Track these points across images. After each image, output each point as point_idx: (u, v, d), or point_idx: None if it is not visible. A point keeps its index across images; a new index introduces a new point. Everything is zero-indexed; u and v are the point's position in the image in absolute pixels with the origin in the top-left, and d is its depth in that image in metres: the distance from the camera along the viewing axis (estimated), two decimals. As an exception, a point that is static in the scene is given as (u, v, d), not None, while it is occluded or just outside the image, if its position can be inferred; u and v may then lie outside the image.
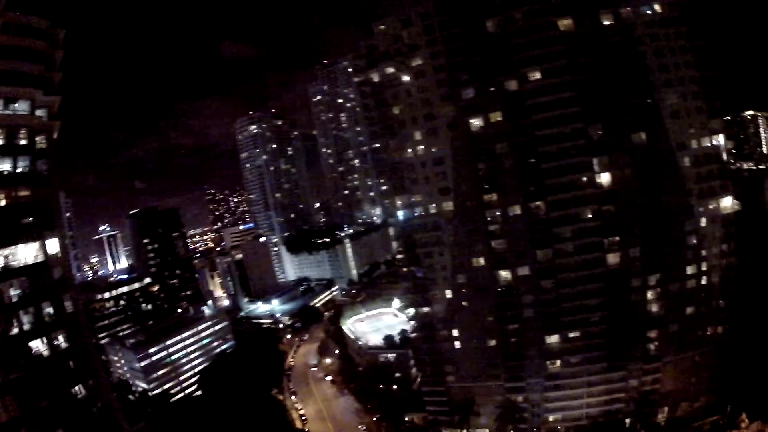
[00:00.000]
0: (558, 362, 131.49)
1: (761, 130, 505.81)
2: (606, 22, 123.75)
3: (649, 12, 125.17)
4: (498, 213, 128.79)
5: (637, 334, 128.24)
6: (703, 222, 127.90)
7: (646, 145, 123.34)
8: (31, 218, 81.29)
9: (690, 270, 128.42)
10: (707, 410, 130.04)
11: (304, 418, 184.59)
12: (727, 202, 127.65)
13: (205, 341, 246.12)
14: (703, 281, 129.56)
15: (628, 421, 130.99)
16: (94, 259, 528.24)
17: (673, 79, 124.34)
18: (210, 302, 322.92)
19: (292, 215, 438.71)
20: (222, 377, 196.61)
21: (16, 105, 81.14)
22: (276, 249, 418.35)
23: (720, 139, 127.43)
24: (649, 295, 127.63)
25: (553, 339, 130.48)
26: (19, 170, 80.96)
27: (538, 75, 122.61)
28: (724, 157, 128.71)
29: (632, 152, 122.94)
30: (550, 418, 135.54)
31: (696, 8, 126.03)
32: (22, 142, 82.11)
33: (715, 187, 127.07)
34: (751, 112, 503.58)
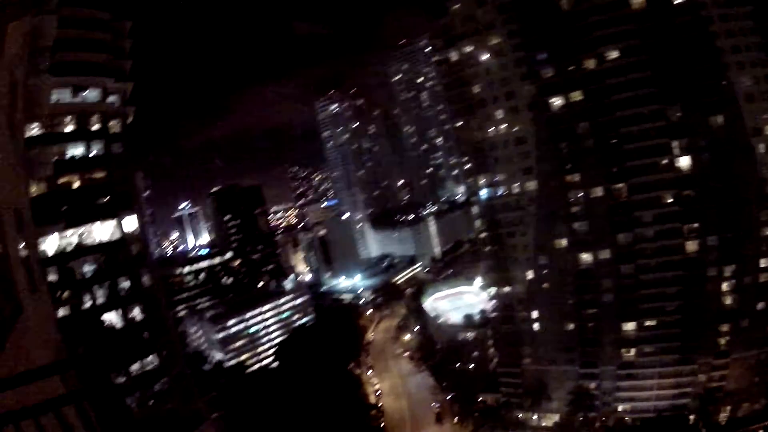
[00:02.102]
0: (633, 351, 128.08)
1: None
2: (676, 1, 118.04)
3: None
4: (580, 194, 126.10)
5: (710, 327, 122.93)
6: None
7: (724, 129, 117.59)
8: (106, 198, 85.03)
9: (764, 263, 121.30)
10: (766, 413, 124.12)
11: (378, 393, 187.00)
12: None
13: (284, 314, 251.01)
14: None
15: (692, 417, 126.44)
16: (174, 236, 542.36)
17: (745, 61, 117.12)
18: (292, 277, 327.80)
19: (375, 193, 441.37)
20: (300, 350, 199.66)
21: (86, 93, 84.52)
22: (359, 226, 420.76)
23: None
24: (724, 286, 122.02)
25: (629, 326, 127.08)
26: (92, 154, 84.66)
27: (615, 54, 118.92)
28: None
29: (709, 136, 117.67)
30: (619, 408, 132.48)
31: None
32: (95, 128, 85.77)
33: None
34: None
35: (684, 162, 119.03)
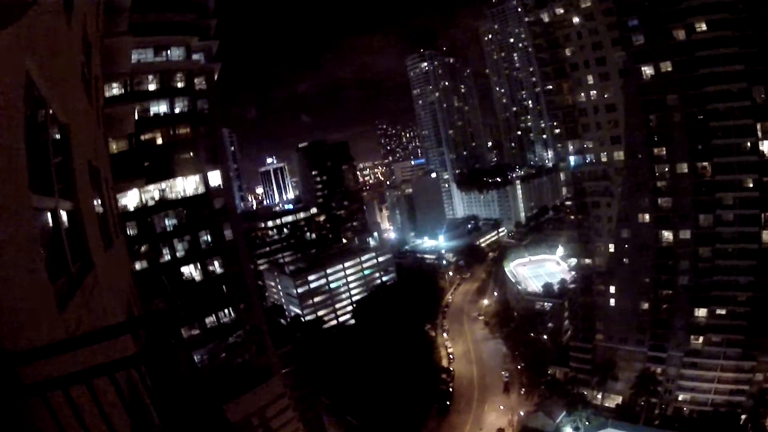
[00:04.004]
0: (701, 339, 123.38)
1: None
2: None
3: None
4: (666, 169, 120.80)
5: None
6: None
7: None
8: (190, 153, 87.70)
9: None
10: None
11: (451, 356, 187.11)
12: None
13: (366, 272, 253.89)
14: None
15: (744, 417, 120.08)
16: (259, 190, 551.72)
17: None
18: (376, 234, 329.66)
19: (464, 153, 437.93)
20: (378, 308, 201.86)
21: (170, 52, 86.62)
22: (446, 186, 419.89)
23: None
24: None
25: (701, 312, 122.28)
26: (177, 111, 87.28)
27: (704, 26, 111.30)
28: None
29: None
30: (680, 397, 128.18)
31: None
32: (179, 85, 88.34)
33: None
34: None
35: (766, 146, 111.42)
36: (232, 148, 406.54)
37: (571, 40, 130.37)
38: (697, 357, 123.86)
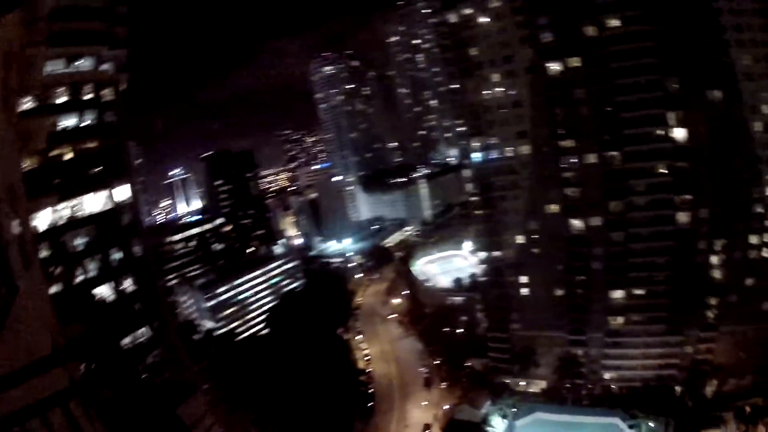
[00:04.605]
0: (620, 319, 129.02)
1: None
2: None
3: None
4: (574, 160, 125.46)
5: (698, 300, 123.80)
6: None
7: (721, 104, 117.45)
8: (98, 168, 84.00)
9: (754, 240, 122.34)
10: (752, 390, 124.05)
11: (368, 358, 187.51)
12: None
13: (274, 280, 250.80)
14: (765, 253, 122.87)
15: (678, 389, 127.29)
16: (165, 203, 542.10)
17: (747, 40, 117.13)
18: (282, 241, 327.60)
19: (368, 155, 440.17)
20: (289, 316, 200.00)
21: (80, 62, 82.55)
22: (350, 188, 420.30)
23: None
24: (714, 260, 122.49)
25: (618, 294, 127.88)
26: (85, 124, 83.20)
27: (617, 22, 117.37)
28: None
29: (708, 110, 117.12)
30: (606, 376, 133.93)
31: None
32: (88, 97, 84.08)
33: None
34: None
35: (679, 134, 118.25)
36: (139, 160, 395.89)
37: (478, 39, 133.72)
38: (619, 337, 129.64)
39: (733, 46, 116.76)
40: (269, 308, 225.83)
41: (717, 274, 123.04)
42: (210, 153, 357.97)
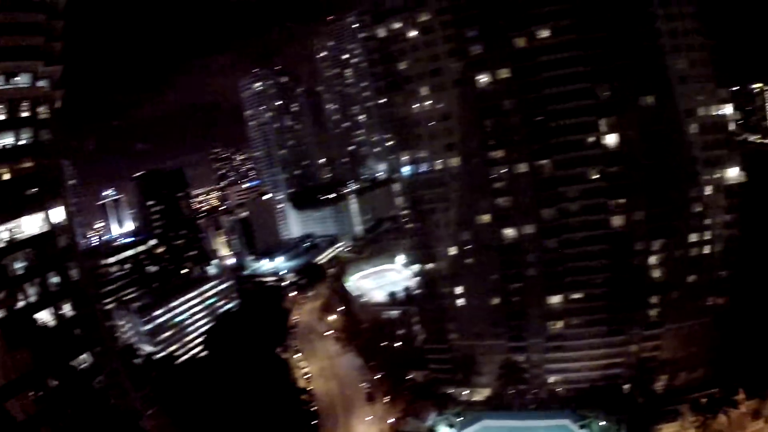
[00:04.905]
0: (560, 323, 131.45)
1: None
2: None
3: None
4: (504, 170, 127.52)
5: (639, 299, 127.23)
6: (708, 191, 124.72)
7: (654, 109, 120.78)
8: (35, 189, 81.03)
9: (693, 238, 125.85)
10: (704, 382, 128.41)
11: (308, 376, 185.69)
12: (733, 173, 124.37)
13: (210, 301, 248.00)
14: (706, 250, 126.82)
15: (627, 386, 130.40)
16: (99, 224, 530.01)
17: (682, 44, 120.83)
18: (215, 261, 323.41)
19: (297, 172, 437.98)
20: (227, 337, 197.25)
21: (17, 78, 79.98)
22: (281, 206, 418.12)
23: (727, 109, 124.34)
24: (652, 260, 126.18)
25: (555, 299, 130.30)
26: (21, 143, 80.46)
27: (547, 33, 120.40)
28: (731, 127, 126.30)
29: (640, 115, 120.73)
30: (551, 379, 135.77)
31: None
32: (24, 115, 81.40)
33: (721, 156, 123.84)
34: (759, 85, 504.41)
35: (611, 139, 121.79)
36: (72, 181, 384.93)
37: (407, 54, 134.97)
38: (559, 341, 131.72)
39: (669, 51, 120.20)
40: (206, 330, 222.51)
41: (657, 273, 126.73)
42: (141, 173, 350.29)
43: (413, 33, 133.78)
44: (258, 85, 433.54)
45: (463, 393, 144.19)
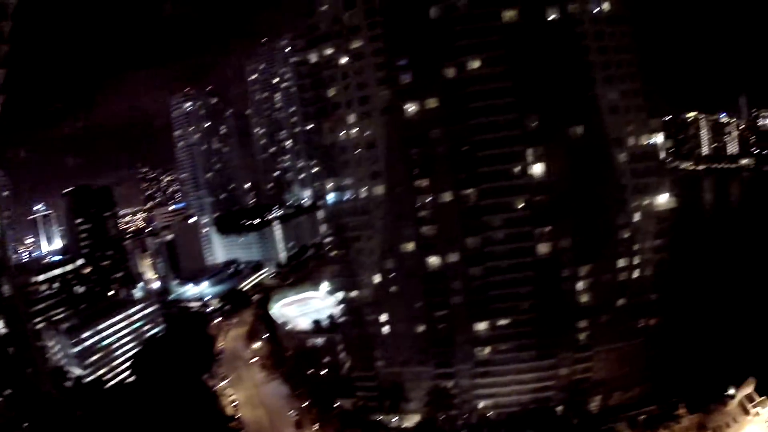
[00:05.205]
0: (487, 349, 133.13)
1: (702, 132, 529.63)
2: (552, 17, 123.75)
3: (596, 10, 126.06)
4: (429, 199, 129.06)
5: (568, 323, 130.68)
6: (637, 217, 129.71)
7: (583, 139, 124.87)
8: None
9: (622, 263, 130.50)
10: (642, 401, 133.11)
11: (235, 403, 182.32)
12: (663, 199, 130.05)
13: (136, 325, 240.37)
14: (635, 274, 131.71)
15: (560, 408, 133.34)
16: (29, 240, 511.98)
17: (615, 76, 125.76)
18: (141, 284, 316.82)
19: (223, 196, 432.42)
20: (154, 363, 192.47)
21: None
22: (206, 230, 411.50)
23: (658, 138, 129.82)
24: (580, 285, 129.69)
25: (481, 326, 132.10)
26: None
27: (477, 64, 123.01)
28: (662, 155, 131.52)
29: (568, 144, 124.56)
30: (480, 405, 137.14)
31: (645, 9, 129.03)
32: None
33: (650, 183, 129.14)
34: (693, 114, 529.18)
35: (537, 169, 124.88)
36: (6, 192, 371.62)
37: (336, 80, 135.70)
38: (488, 366, 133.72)
39: (601, 82, 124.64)
40: (133, 354, 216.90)
41: (585, 297, 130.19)
42: (71, 189, 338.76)
43: (345, 59, 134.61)
44: (188, 105, 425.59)
45: (393, 420, 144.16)
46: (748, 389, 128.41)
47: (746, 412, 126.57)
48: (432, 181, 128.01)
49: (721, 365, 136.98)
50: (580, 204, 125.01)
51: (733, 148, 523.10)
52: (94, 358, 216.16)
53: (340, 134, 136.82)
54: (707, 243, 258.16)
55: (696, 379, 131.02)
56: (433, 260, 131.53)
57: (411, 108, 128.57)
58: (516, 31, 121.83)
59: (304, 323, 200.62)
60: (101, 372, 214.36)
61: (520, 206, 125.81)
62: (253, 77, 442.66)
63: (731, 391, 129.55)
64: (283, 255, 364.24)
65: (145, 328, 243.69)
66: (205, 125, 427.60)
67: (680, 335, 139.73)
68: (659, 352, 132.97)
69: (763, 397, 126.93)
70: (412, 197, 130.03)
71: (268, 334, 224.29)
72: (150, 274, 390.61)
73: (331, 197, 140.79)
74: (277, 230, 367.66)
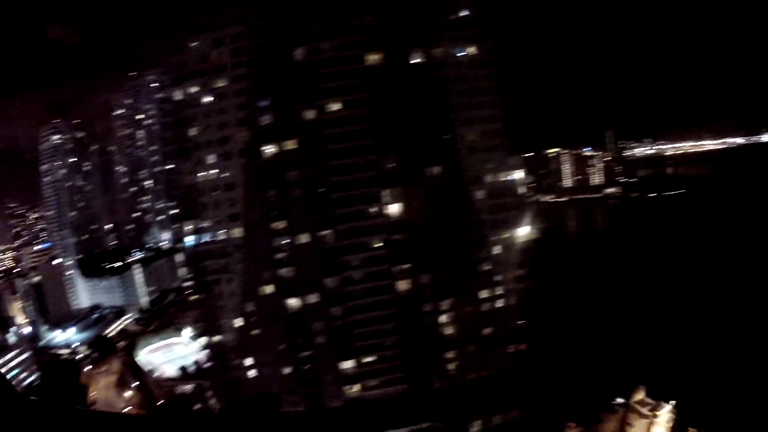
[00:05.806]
0: (356, 386, 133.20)
1: (563, 166, 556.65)
2: (415, 60, 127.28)
3: (460, 54, 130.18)
4: (286, 241, 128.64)
5: (435, 356, 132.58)
6: (498, 249, 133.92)
7: (440, 178, 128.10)
8: None
9: (485, 293, 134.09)
10: (525, 420, 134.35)
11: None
12: (523, 231, 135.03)
13: (13, 372, 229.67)
14: (499, 304, 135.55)
15: None
16: None
17: (476, 117, 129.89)
18: (13, 329, 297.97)
19: (85, 236, 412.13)
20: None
21: None
22: (70, 272, 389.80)
23: (518, 174, 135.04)
24: (443, 318, 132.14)
25: (348, 364, 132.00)
26: None
27: (338, 106, 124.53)
28: (522, 190, 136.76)
29: (425, 184, 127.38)
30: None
31: (510, 53, 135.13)
32: None
33: (510, 217, 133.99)
34: (556, 150, 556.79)
35: (393, 209, 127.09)
36: None
37: (198, 120, 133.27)
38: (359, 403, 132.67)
39: (461, 124, 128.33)
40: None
41: (449, 330, 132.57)
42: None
43: (208, 98, 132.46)
44: (56, 139, 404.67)
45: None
46: (640, 396, 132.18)
47: (643, 415, 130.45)
48: (289, 222, 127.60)
49: (603, 381, 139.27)
50: (438, 240, 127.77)
51: (598, 179, 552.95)
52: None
53: (200, 175, 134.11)
54: (574, 266, 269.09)
55: (581, 396, 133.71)
56: (293, 302, 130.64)
57: (269, 150, 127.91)
58: (379, 75, 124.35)
59: (170, 370, 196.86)
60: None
61: (377, 245, 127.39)
62: (119, 112, 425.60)
63: (620, 401, 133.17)
64: (144, 300, 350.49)
65: (22, 376, 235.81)
66: (71, 160, 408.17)
67: (555, 357, 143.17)
68: (533, 373, 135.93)
69: (658, 401, 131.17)
70: (269, 239, 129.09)
71: (137, 383, 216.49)
72: (21, 319, 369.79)
73: (190, 240, 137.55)
74: (138, 274, 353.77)
